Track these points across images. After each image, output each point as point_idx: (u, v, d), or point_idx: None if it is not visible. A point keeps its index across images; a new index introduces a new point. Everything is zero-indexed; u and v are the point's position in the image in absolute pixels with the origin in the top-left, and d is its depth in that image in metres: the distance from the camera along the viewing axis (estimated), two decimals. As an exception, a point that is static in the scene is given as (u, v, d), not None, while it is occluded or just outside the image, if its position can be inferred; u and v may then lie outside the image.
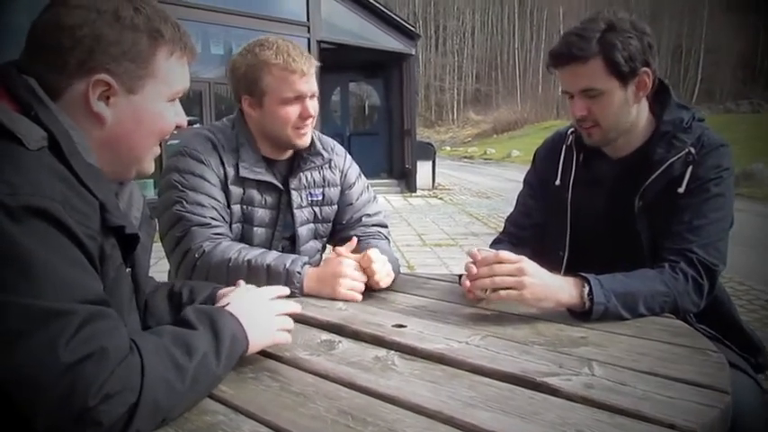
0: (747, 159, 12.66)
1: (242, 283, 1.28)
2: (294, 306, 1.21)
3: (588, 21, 1.56)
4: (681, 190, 1.53)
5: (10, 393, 0.76)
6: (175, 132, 1.11)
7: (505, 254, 1.36)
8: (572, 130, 1.76)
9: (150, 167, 1.10)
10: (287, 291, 1.27)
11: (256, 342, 1.07)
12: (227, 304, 1.10)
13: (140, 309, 1.18)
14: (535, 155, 1.92)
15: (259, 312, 1.12)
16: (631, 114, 1.59)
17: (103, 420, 0.76)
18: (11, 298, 0.76)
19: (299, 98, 1.71)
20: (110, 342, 0.80)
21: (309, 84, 1.71)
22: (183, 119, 1.10)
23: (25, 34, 0.98)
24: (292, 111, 1.71)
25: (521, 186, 1.96)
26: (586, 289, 1.33)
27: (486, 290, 1.35)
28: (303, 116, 1.72)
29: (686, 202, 1.52)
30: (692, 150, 1.53)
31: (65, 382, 0.75)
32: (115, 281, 0.99)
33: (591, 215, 1.68)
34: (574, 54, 1.53)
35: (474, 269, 1.37)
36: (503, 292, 1.32)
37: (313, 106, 1.74)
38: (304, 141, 1.78)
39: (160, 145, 1.10)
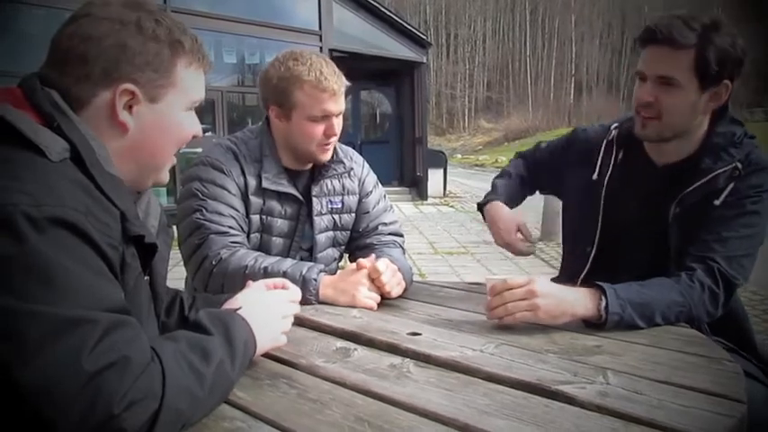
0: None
1: (251, 283, 1.30)
2: (295, 308, 1.24)
3: (695, 14, 1.50)
4: (717, 202, 1.51)
5: (32, 402, 0.76)
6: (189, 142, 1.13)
7: (514, 279, 1.35)
8: (615, 125, 1.74)
9: (166, 177, 1.12)
10: (299, 296, 1.29)
11: (262, 347, 1.10)
12: (239, 308, 1.11)
13: (158, 316, 1.19)
14: (577, 134, 1.90)
15: (267, 317, 1.14)
16: (695, 121, 1.56)
17: (127, 428, 0.77)
18: (33, 307, 0.77)
19: (327, 117, 1.73)
20: (132, 351, 0.81)
21: (338, 103, 1.73)
22: (198, 129, 1.13)
23: (41, 44, 1.01)
24: (318, 129, 1.73)
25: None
26: (603, 302, 1.33)
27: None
28: (328, 134, 1.74)
29: (719, 214, 1.51)
30: (739, 166, 1.51)
31: (88, 391, 0.76)
32: (135, 289, 1.00)
33: (623, 215, 1.67)
34: (673, 36, 1.46)
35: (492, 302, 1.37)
36: (518, 315, 1.32)
37: (339, 125, 1.76)
38: (326, 157, 1.81)
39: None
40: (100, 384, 0.77)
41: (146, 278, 1.08)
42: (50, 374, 0.76)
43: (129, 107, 1.00)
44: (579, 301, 1.35)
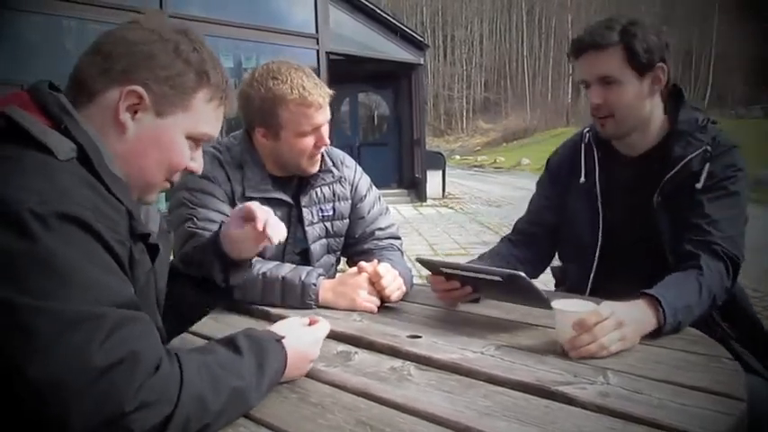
0: (758, 165, 12.52)
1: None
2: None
3: (610, 17, 1.64)
4: (699, 186, 1.57)
5: (42, 398, 0.76)
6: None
7: (595, 312, 1.21)
8: (587, 129, 1.81)
9: (153, 198, 1.12)
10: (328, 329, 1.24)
11: (287, 377, 1.09)
12: (284, 337, 1.08)
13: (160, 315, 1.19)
14: (549, 160, 1.95)
15: (304, 351, 1.12)
16: (645, 108, 1.64)
17: (136, 429, 0.77)
18: (42, 303, 0.78)
19: (316, 129, 1.72)
20: (141, 346, 0.82)
21: (325, 114, 1.72)
22: (197, 165, 1.12)
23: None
24: (309, 142, 1.72)
25: (531, 194, 1.98)
26: (660, 311, 1.28)
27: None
28: (318, 145, 1.74)
29: (704, 198, 1.56)
30: (709, 148, 1.58)
31: (99, 386, 0.76)
32: (146, 285, 1.02)
33: (615, 214, 1.71)
34: (595, 41, 1.59)
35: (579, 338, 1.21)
36: (613, 348, 1.20)
37: (326, 133, 1.75)
38: (315, 168, 1.81)
39: (172, 184, 1.12)
40: (110, 380, 0.77)
41: None
42: (60, 370, 0.76)
43: (134, 112, 1.01)
44: (647, 317, 1.30)
